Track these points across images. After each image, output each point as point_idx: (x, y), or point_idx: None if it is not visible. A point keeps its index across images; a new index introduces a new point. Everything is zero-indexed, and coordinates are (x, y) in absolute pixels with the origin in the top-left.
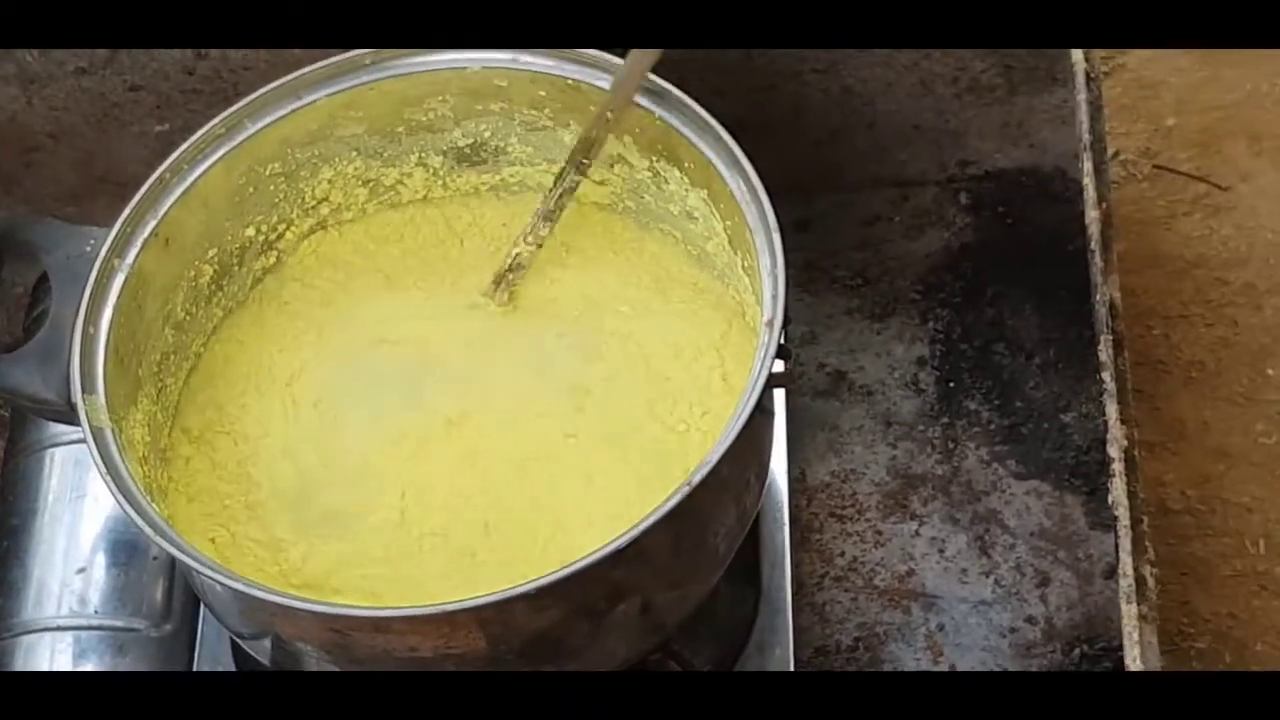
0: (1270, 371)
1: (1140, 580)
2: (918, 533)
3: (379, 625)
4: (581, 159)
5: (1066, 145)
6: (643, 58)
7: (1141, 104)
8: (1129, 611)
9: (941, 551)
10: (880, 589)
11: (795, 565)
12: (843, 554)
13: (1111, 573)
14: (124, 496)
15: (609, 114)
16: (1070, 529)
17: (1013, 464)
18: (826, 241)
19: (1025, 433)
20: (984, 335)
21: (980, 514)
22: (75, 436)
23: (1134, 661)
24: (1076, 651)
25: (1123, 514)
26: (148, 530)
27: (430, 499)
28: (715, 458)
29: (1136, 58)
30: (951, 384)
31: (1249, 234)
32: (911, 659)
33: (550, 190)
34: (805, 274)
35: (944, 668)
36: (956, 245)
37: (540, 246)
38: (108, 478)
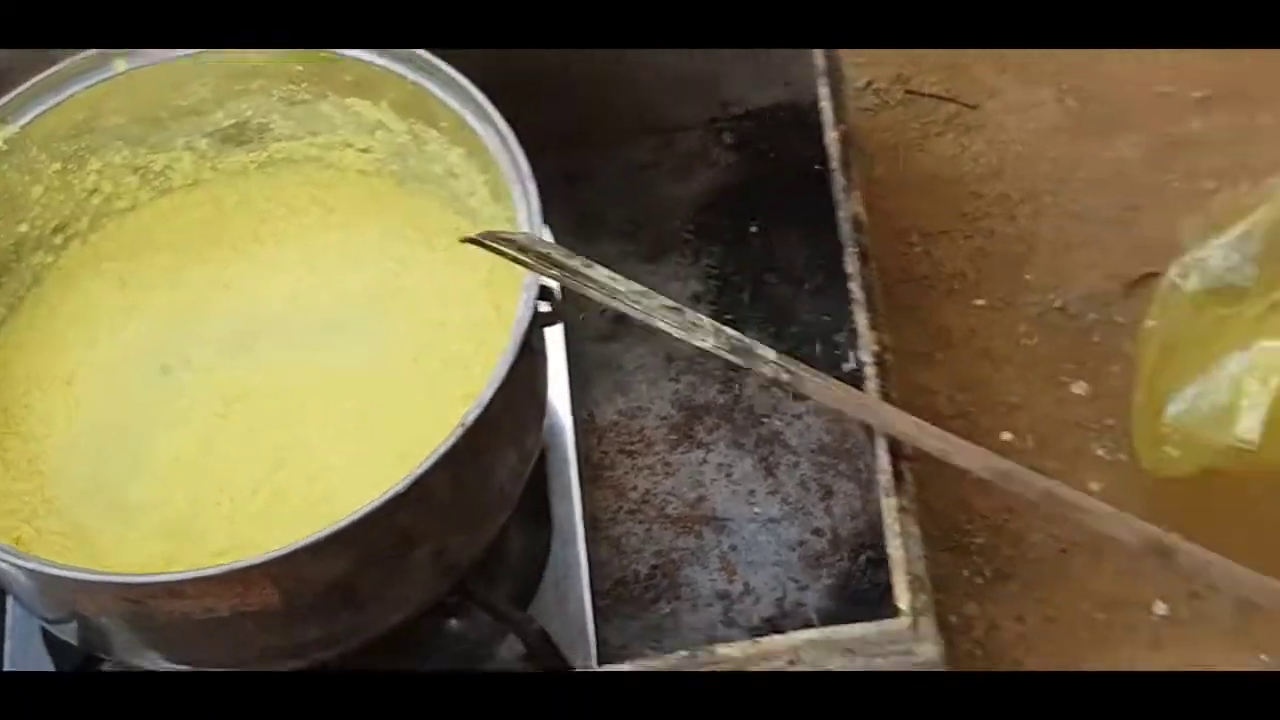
0: (1028, 276)
1: (898, 475)
2: (705, 460)
3: (173, 590)
4: None
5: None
6: None
7: None
8: (888, 505)
9: (729, 476)
10: (673, 517)
11: (590, 502)
12: (635, 488)
13: None
14: None
15: None
16: (849, 443)
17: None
18: (598, 192)
19: (801, 356)
20: (756, 267)
21: (764, 437)
22: None
23: (895, 550)
24: (862, 558)
25: (871, 380)
26: None
27: (217, 475)
28: (486, 397)
29: None
30: (729, 316)
31: (999, 148)
32: (707, 580)
33: None
34: (579, 224)
35: (738, 586)
36: (723, 184)
37: None
38: None
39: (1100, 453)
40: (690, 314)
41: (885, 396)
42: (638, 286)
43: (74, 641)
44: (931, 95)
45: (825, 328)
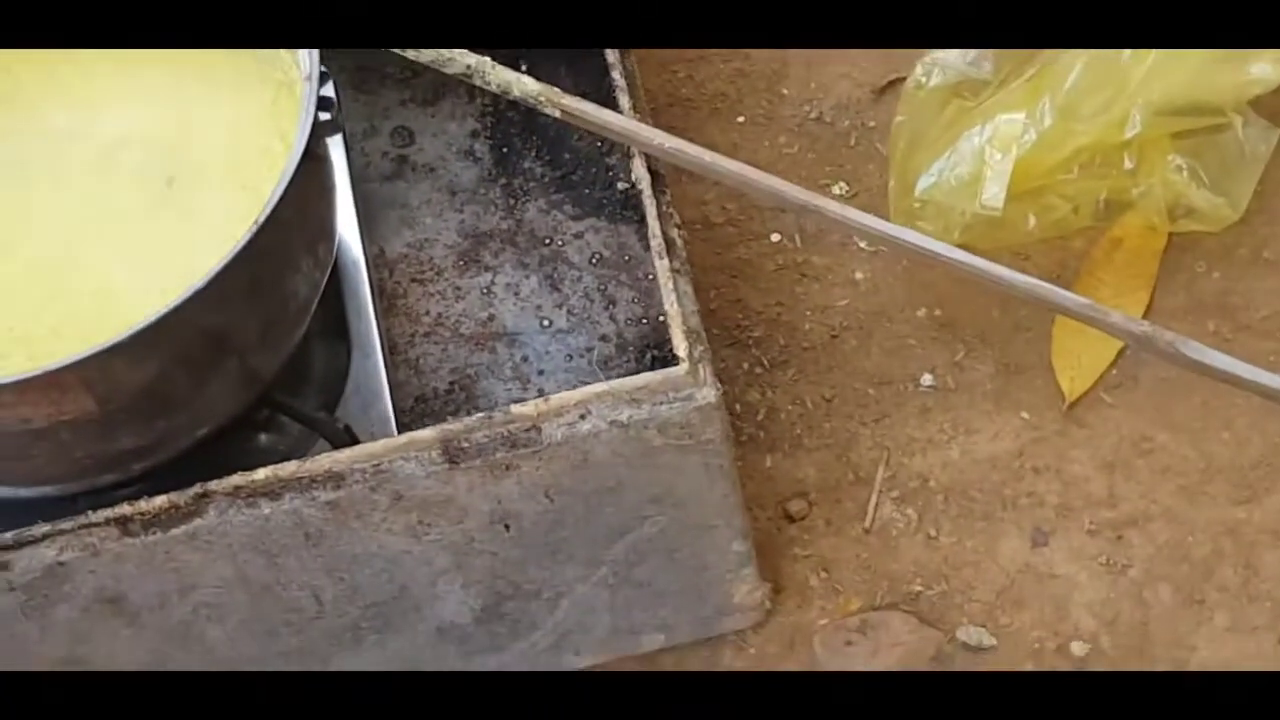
0: (785, 91)
1: (669, 241)
2: (493, 282)
3: None
4: None
5: None
6: None
7: None
8: (661, 266)
9: (517, 294)
10: (466, 336)
11: (387, 329)
12: (428, 312)
13: None
14: None
15: None
16: (628, 255)
17: (569, 208)
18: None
19: (576, 179)
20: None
21: (546, 256)
22: None
23: (671, 306)
24: (648, 356)
25: (646, 187)
26: None
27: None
28: (275, 197)
29: None
30: (505, 149)
31: None
32: (503, 390)
33: None
34: (359, 75)
35: (532, 393)
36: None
37: None
38: None
39: (863, 245)
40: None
41: (654, 175)
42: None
43: None
44: None
45: (595, 152)
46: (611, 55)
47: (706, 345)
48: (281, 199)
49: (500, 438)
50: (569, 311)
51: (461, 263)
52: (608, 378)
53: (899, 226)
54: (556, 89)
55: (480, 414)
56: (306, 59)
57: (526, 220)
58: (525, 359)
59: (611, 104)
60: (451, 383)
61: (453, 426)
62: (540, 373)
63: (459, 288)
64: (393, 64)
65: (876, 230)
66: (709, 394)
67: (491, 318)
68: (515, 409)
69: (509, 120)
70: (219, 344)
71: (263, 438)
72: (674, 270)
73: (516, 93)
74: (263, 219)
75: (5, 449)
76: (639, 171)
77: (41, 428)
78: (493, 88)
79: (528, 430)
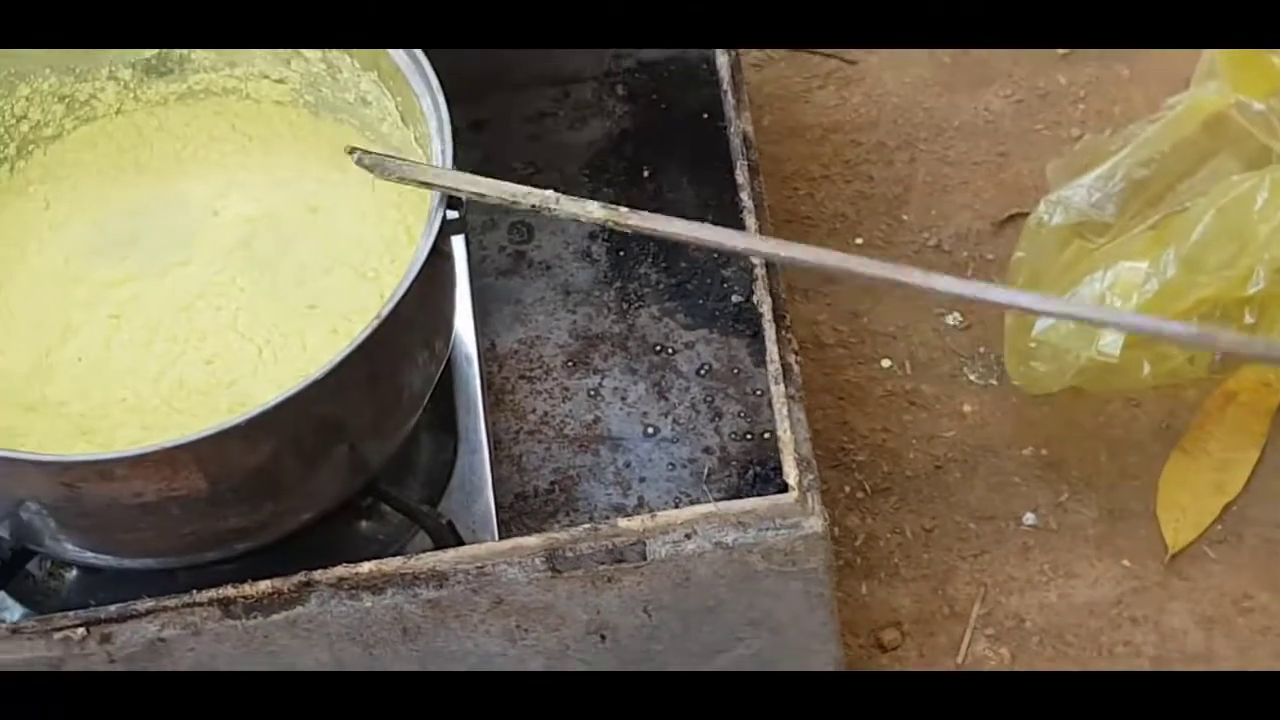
0: (905, 217)
1: (787, 366)
2: (601, 385)
3: (103, 471)
4: None
5: None
6: None
7: None
8: (777, 391)
9: (623, 399)
10: (570, 437)
11: (492, 424)
12: (534, 410)
13: None
14: None
15: None
16: (737, 368)
17: (681, 317)
18: (499, 138)
19: (691, 289)
20: (647, 207)
21: (656, 364)
22: None
23: (784, 432)
24: (750, 473)
25: (766, 310)
26: None
27: (119, 371)
28: (401, 291)
29: None
30: (621, 253)
31: (877, 100)
32: (603, 495)
33: None
34: (483, 167)
35: (633, 500)
36: (617, 132)
37: None
38: None
39: (973, 378)
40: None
41: (774, 294)
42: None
43: (4, 534)
44: (813, 51)
45: (712, 264)
46: (741, 174)
47: (816, 474)
48: (404, 295)
49: (605, 550)
50: (674, 420)
51: (571, 363)
52: (710, 491)
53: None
54: (623, 209)
55: (586, 525)
56: (439, 153)
57: (638, 326)
58: (628, 465)
59: (738, 223)
60: (553, 482)
61: (558, 536)
62: (642, 480)
63: (567, 388)
64: (518, 160)
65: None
66: (816, 523)
67: (597, 420)
68: (622, 523)
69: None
70: (331, 432)
71: (363, 525)
72: (789, 396)
73: (585, 219)
74: (385, 313)
75: (114, 521)
76: (760, 293)
77: (151, 502)
78: (563, 217)
79: (633, 545)
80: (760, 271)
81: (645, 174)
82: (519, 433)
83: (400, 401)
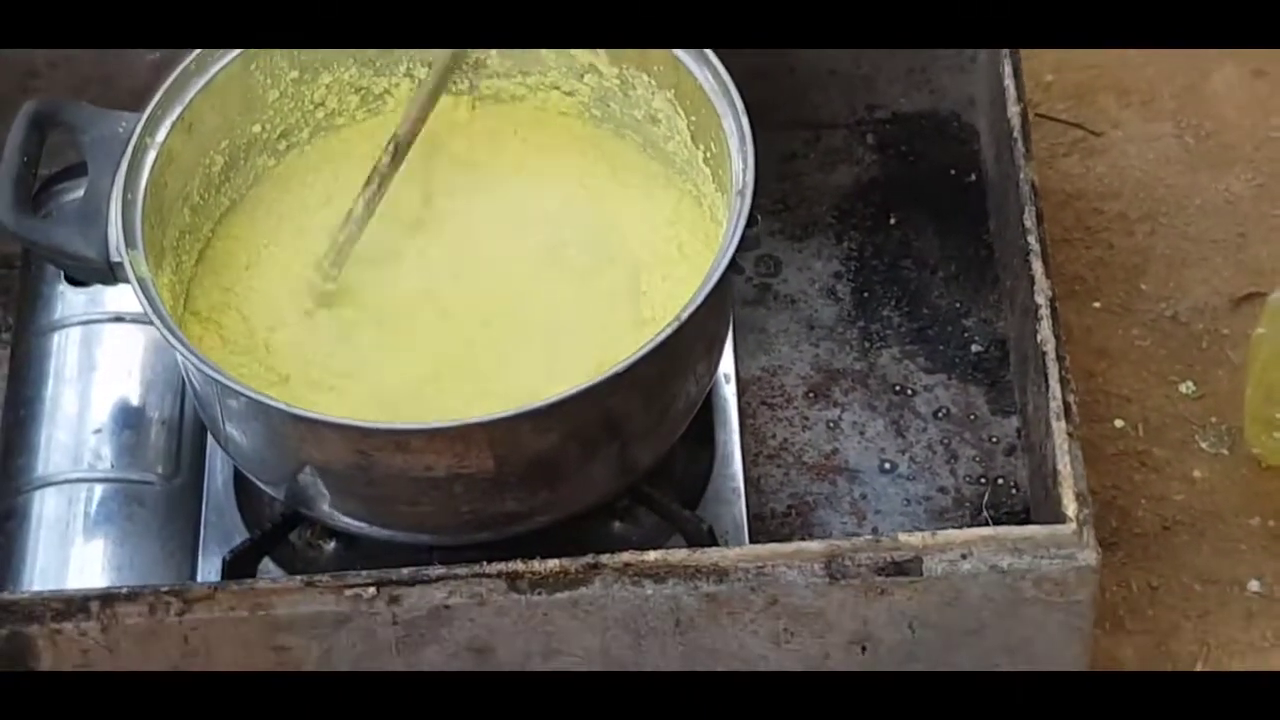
0: (1143, 286)
1: (1067, 405)
2: (840, 418)
3: (400, 442)
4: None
5: (962, 91)
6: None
7: (1024, 63)
8: (1059, 428)
9: (862, 433)
10: (809, 465)
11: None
12: (774, 436)
13: (1012, 450)
14: (173, 335)
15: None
16: (974, 415)
17: (922, 360)
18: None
19: (932, 335)
20: (892, 253)
21: (895, 403)
22: (79, 319)
23: (1064, 467)
24: (983, 515)
25: (1050, 350)
26: (193, 359)
27: (416, 356)
28: (701, 297)
29: None
30: (865, 294)
31: (1120, 172)
32: (839, 522)
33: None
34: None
35: (866, 529)
36: (865, 179)
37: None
38: (157, 320)
39: (1204, 446)
40: None
41: (1057, 336)
42: None
43: (280, 497)
44: (1060, 120)
45: (954, 312)
46: (1028, 219)
47: (1092, 509)
48: (703, 302)
49: (884, 562)
50: (911, 459)
51: (811, 394)
52: (942, 527)
53: None
54: None
55: (869, 536)
56: (739, 171)
57: (879, 365)
58: (864, 496)
59: (992, 276)
60: (789, 507)
61: (840, 543)
62: (877, 512)
63: (807, 417)
64: (766, 195)
65: None
66: (1089, 556)
67: (835, 451)
68: (903, 537)
69: (872, 268)
70: (613, 428)
71: (617, 525)
72: (1069, 433)
73: None
74: (684, 317)
75: (398, 493)
76: (1045, 333)
77: (439, 477)
78: None
79: (911, 559)
80: (1045, 312)
81: (891, 220)
82: (758, 456)
83: (676, 407)
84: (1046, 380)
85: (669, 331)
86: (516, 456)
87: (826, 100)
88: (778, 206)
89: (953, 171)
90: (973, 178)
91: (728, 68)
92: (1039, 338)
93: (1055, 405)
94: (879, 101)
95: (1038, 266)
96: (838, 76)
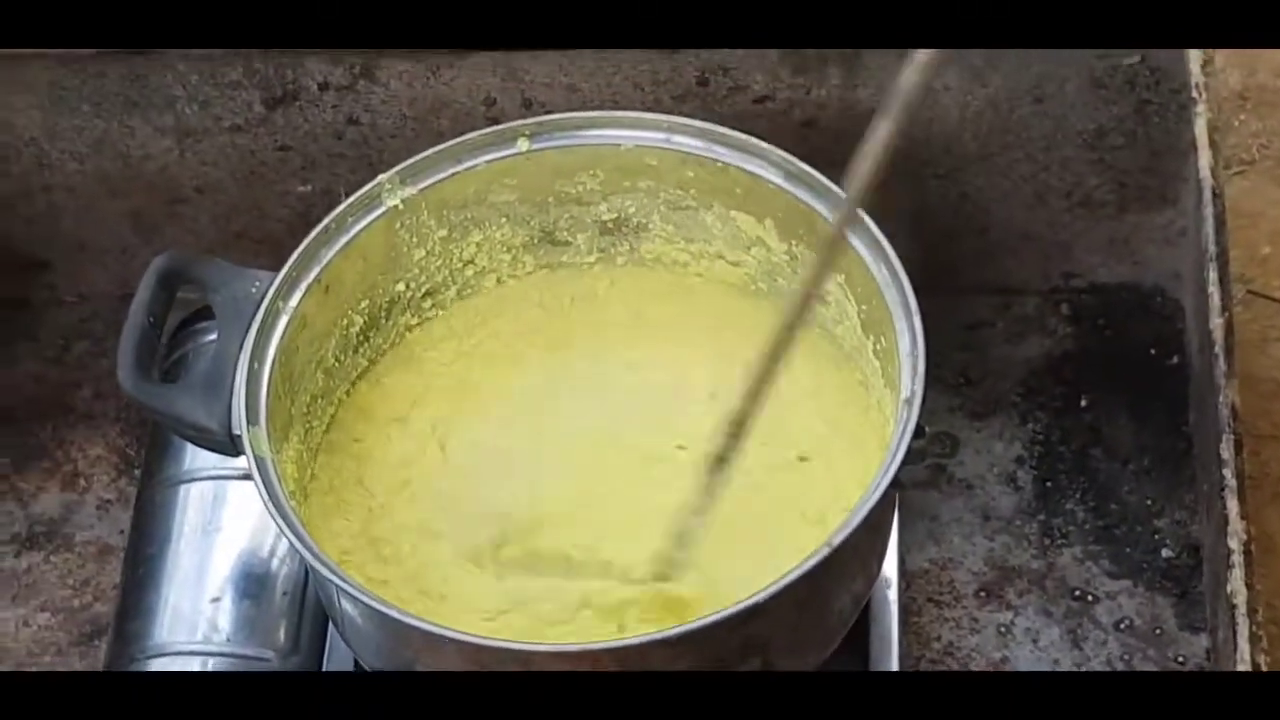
0: None
1: (1256, 668)
2: (1013, 622)
3: (523, 660)
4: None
5: (1168, 264)
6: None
7: (1238, 232)
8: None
9: (1035, 641)
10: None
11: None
12: (939, 638)
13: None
14: (285, 523)
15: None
16: (1159, 628)
17: (1106, 563)
18: (932, 341)
19: (1119, 534)
20: (1081, 439)
21: (1073, 609)
22: (209, 473)
23: None
24: None
25: (1241, 603)
26: (308, 555)
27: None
28: (855, 521)
29: (1235, 188)
30: (1048, 483)
31: None
32: None
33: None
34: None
35: None
36: (1057, 353)
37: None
38: (270, 504)
39: None
40: None
41: (1249, 588)
42: None
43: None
44: (1275, 299)
45: (1145, 511)
46: (1226, 449)
47: None
48: (859, 524)
49: None
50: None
51: (983, 594)
52: None
53: None
54: None
55: None
56: (910, 380)
57: (1059, 565)
58: None
59: (1169, 463)
60: None
61: None
62: None
63: (976, 619)
64: (946, 366)
65: None
66: None
67: (1004, 660)
68: None
69: (1058, 454)
70: (753, 650)
71: None
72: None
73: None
74: (836, 543)
75: None
76: (1235, 584)
77: None
78: None
79: None
80: (1238, 559)
81: (1083, 403)
82: (920, 659)
83: (827, 626)
84: (1235, 639)
85: (818, 559)
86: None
87: (1019, 265)
88: (959, 380)
89: (1153, 351)
90: (1175, 360)
91: (915, 226)
92: (1229, 589)
93: (1244, 669)
94: (1077, 269)
95: (1234, 508)
96: (1032, 240)
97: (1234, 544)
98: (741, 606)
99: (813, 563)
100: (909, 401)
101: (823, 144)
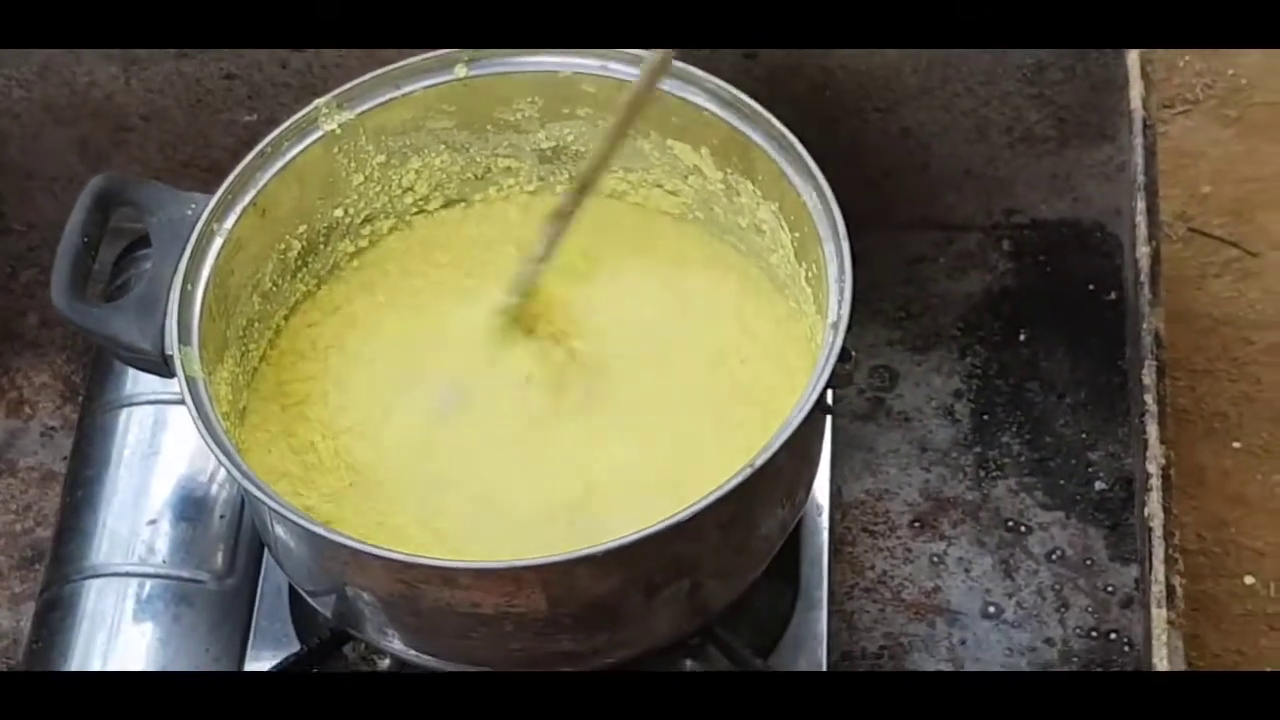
0: None
1: (1170, 589)
2: (946, 552)
3: (447, 578)
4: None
5: (1108, 201)
6: (657, 65)
7: (1179, 171)
8: (1159, 615)
9: (967, 571)
10: (907, 602)
11: (828, 574)
12: (873, 567)
13: (1129, 602)
14: (215, 443)
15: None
16: (1091, 559)
17: (1040, 495)
18: (873, 276)
19: (1053, 467)
20: (1018, 374)
21: (1006, 540)
22: (149, 398)
23: (1160, 661)
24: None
25: (1157, 526)
26: (236, 474)
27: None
28: (777, 443)
29: (1178, 127)
30: (985, 416)
31: (1276, 298)
32: (933, 668)
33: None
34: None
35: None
36: (997, 289)
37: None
38: (200, 424)
39: None
40: None
41: (1166, 509)
42: None
43: (328, 614)
44: (1214, 237)
45: (1079, 444)
46: (1148, 375)
47: None
48: (781, 446)
49: None
50: (1018, 604)
51: (918, 524)
52: None
53: None
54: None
55: None
56: (835, 304)
57: (993, 497)
58: (963, 642)
59: (1125, 418)
60: (882, 647)
61: None
62: (976, 660)
63: (910, 550)
64: (888, 300)
65: None
66: None
67: (937, 590)
68: None
69: (995, 388)
70: (680, 572)
71: (689, 664)
72: (1169, 622)
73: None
74: (758, 463)
75: (445, 625)
76: (1153, 506)
77: (487, 614)
78: None
79: None
80: (1156, 482)
81: (1021, 338)
82: (854, 588)
83: (753, 548)
84: (1151, 561)
85: (741, 478)
86: (571, 600)
87: (961, 201)
88: (899, 314)
89: (1092, 287)
90: (1113, 296)
91: (857, 161)
92: (1146, 511)
93: (1157, 590)
94: (1018, 205)
95: (1153, 430)
96: (973, 177)
97: (1152, 468)
98: (665, 525)
99: (735, 482)
100: (834, 326)
101: (762, 74)
